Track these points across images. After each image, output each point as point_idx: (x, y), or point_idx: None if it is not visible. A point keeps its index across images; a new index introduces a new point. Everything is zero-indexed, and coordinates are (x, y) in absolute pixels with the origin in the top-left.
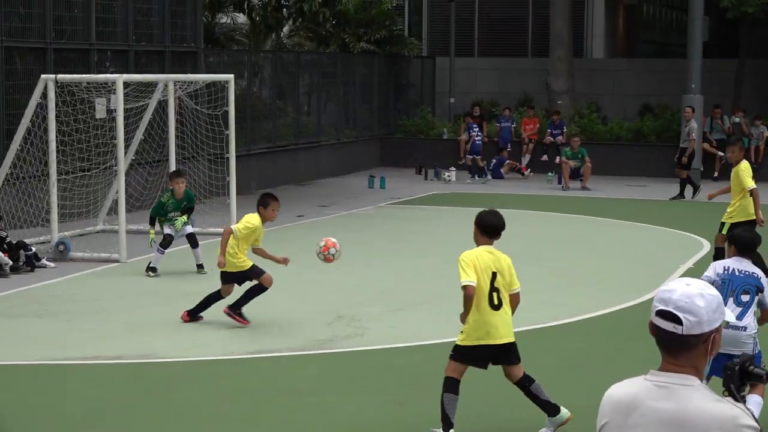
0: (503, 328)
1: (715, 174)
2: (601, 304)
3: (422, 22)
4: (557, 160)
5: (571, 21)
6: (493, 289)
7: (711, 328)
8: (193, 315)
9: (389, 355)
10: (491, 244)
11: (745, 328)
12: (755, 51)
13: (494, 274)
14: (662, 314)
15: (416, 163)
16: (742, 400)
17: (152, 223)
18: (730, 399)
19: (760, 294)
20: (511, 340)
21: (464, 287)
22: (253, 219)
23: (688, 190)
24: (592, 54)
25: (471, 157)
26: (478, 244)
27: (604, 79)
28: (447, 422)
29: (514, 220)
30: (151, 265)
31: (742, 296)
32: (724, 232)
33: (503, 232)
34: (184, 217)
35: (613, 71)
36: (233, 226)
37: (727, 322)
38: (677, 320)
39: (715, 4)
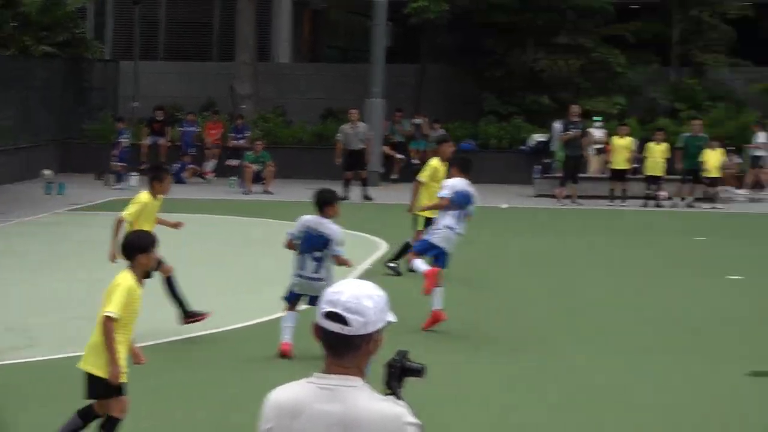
0: (85, 355)
1: (395, 176)
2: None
3: (106, 25)
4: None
5: (257, 25)
6: None
7: (375, 329)
8: None
9: (63, 364)
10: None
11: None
12: (436, 56)
13: None
14: (329, 316)
15: (98, 169)
16: (402, 396)
17: None
18: (392, 397)
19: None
20: (85, 368)
21: None
22: (140, 197)
23: (352, 191)
24: (278, 58)
25: (122, 164)
26: None
27: (289, 84)
28: None
29: (196, 225)
30: None
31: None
32: (419, 227)
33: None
34: None
35: (298, 75)
36: (122, 213)
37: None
38: (344, 321)
39: (400, 11)
